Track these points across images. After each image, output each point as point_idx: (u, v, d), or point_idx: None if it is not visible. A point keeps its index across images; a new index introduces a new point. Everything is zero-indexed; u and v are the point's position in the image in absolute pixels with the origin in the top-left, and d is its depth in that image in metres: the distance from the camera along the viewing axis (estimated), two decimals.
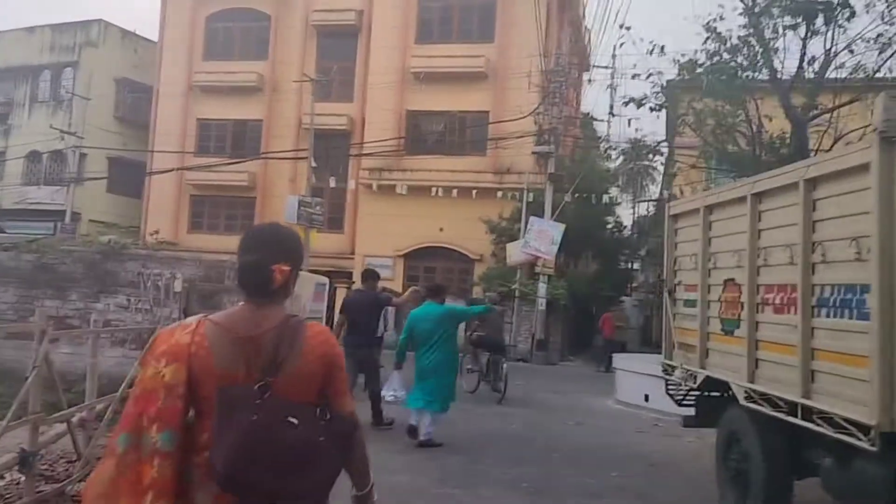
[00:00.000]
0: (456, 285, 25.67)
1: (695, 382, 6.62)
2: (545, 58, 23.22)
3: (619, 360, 14.64)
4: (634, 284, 43.77)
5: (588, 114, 27.16)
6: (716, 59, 12.58)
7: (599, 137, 28.00)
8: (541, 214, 22.22)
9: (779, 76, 13.13)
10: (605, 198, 24.80)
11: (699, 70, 12.67)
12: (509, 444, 9.25)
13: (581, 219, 23.79)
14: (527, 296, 22.50)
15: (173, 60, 30.95)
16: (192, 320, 2.23)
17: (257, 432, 2.03)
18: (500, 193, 23.16)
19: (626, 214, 40.69)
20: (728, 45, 12.41)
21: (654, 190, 46.67)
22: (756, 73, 12.92)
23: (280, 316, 2.22)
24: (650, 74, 13.00)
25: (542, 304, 21.49)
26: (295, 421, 2.08)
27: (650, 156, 21.73)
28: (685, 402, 7.30)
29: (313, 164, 20.22)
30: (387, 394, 8.82)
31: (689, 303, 6.93)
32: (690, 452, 9.44)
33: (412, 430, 8.50)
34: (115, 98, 34.04)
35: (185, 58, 30.85)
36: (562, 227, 20.97)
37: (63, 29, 34.41)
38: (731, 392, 6.22)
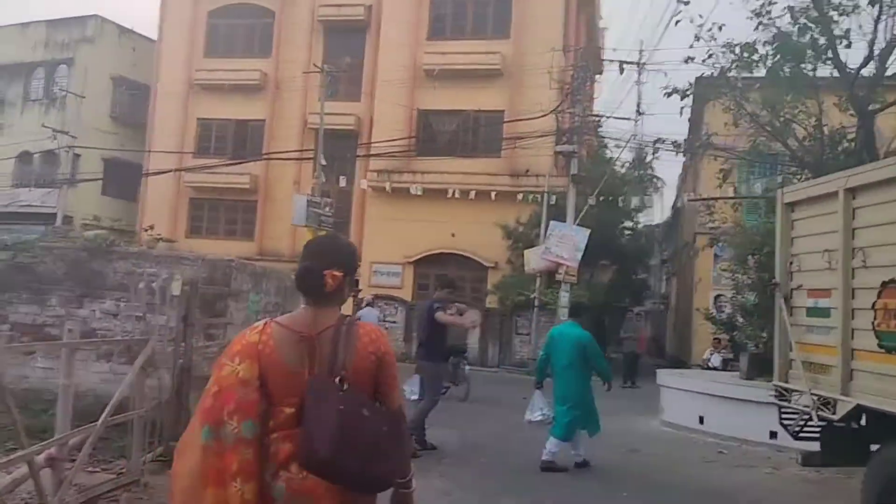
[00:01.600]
0: (469, 294, 24.31)
1: (833, 412, 5.22)
2: (567, 52, 21.93)
3: (666, 376, 13.22)
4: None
5: (598, 117, 25.66)
6: (778, 42, 11.25)
7: (603, 139, 26.65)
8: (560, 218, 20.86)
9: (844, 63, 11.82)
10: (634, 201, 23.42)
11: (764, 52, 11.33)
12: (567, 479, 7.87)
13: (602, 224, 22.46)
14: (546, 305, 21.12)
15: (173, 58, 29.62)
16: (259, 323, 2.51)
17: (345, 421, 2.26)
18: (520, 196, 21.79)
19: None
20: (797, 24, 11.06)
21: (655, 199, 45.31)
22: (818, 62, 11.61)
23: (335, 317, 2.48)
24: (710, 55, 11.66)
25: (564, 314, 20.08)
26: (367, 412, 2.33)
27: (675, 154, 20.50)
28: (805, 435, 5.90)
29: (322, 162, 18.77)
30: (533, 416, 8.46)
31: (819, 312, 5.54)
32: (780, 490, 8.05)
33: (550, 467, 8.10)
34: (111, 97, 32.69)
35: (185, 55, 29.53)
36: (587, 231, 19.61)
37: (58, 25, 33.05)
38: (877, 424, 4.85)
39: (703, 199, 15.40)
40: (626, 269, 28.98)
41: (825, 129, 12.24)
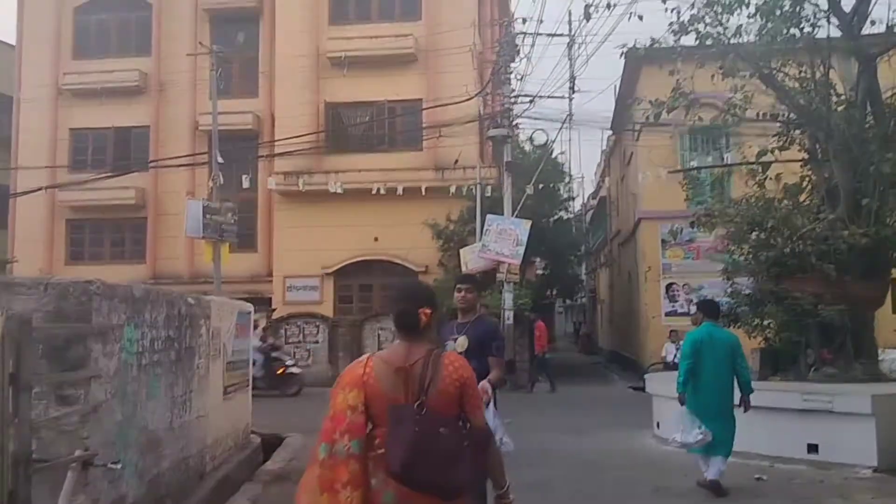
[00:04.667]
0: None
1: None
2: (485, 28, 19.84)
3: (659, 382, 11.16)
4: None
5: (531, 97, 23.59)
6: None
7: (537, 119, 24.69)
8: (493, 212, 18.73)
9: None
10: (573, 189, 21.54)
11: None
12: None
13: (537, 216, 20.52)
14: (487, 308, 18.90)
15: (36, 61, 25.75)
16: (363, 358, 3.07)
17: (419, 439, 2.76)
18: (453, 189, 19.45)
19: None
20: None
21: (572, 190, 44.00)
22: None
23: (425, 349, 2.98)
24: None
25: (509, 317, 17.94)
26: (445, 431, 2.82)
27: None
28: None
29: (219, 160, 15.68)
30: (689, 437, 7.13)
31: None
32: None
33: (717, 487, 7.30)
34: None
35: (50, 58, 25.76)
36: (527, 224, 17.54)
37: None
38: None
39: (689, 170, 13.48)
40: (558, 263, 27.25)
41: (819, 78, 10.44)
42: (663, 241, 19.98)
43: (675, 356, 17.71)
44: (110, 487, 5.44)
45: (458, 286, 5.69)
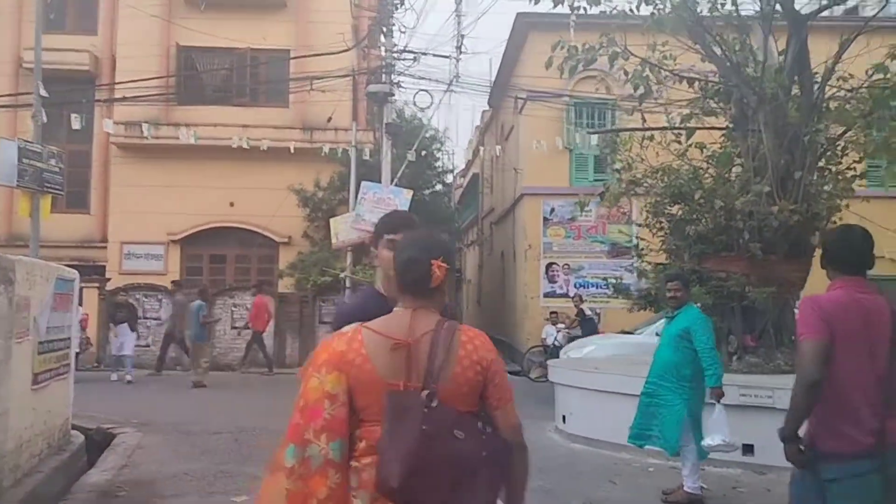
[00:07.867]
0: (255, 277, 19.67)
1: None
2: None
3: (566, 372, 9.88)
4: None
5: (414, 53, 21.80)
6: None
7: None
8: (371, 179, 16.99)
9: None
10: (449, 160, 20.13)
11: None
12: None
13: (418, 187, 19.01)
14: (360, 285, 17.20)
15: None
16: (348, 329, 2.19)
17: (427, 443, 1.96)
18: (326, 149, 17.39)
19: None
20: None
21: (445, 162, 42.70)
22: None
23: (435, 320, 2.17)
24: None
25: None
26: (461, 434, 2.01)
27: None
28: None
29: (43, 93, 12.69)
30: (712, 441, 6.06)
31: None
32: None
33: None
34: None
35: None
36: (408, 193, 15.92)
37: None
38: None
39: (611, 131, 12.23)
40: None
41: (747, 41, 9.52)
42: (545, 219, 19.05)
43: (556, 339, 16.80)
44: None
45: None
